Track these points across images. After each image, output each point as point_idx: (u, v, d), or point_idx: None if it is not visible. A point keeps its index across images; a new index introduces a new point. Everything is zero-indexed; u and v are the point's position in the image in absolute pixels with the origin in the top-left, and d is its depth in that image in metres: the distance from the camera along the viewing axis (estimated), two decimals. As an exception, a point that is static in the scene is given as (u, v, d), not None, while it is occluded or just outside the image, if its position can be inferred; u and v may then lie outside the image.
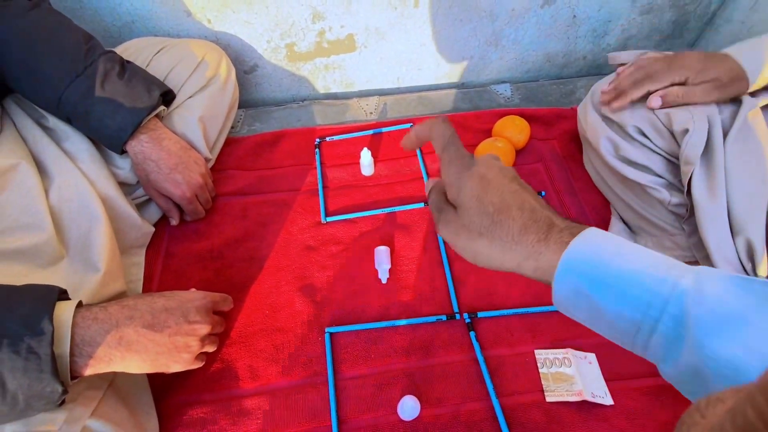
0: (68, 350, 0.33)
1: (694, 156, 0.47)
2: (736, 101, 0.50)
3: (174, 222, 0.60)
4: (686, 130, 0.48)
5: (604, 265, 0.24)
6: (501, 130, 0.69)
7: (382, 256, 0.57)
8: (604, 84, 0.58)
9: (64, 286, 0.36)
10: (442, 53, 0.80)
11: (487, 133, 0.72)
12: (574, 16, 0.77)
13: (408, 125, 0.74)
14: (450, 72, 0.83)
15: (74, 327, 0.34)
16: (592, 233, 0.25)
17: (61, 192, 0.48)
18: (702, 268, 0.24)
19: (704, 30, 0.85)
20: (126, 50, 0.61)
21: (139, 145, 0.53)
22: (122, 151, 0.53)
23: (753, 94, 0.50)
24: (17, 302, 0.32)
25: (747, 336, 0.21)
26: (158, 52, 0.61)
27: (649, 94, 0.52)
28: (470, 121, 0.75)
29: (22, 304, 0.32)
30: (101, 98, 0.49)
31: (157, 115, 0.55)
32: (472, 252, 0.28)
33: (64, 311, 0.34)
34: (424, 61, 0.80)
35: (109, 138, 0.51)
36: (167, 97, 0.57)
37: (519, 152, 0.70)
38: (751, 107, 0.48)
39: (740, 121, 0.47)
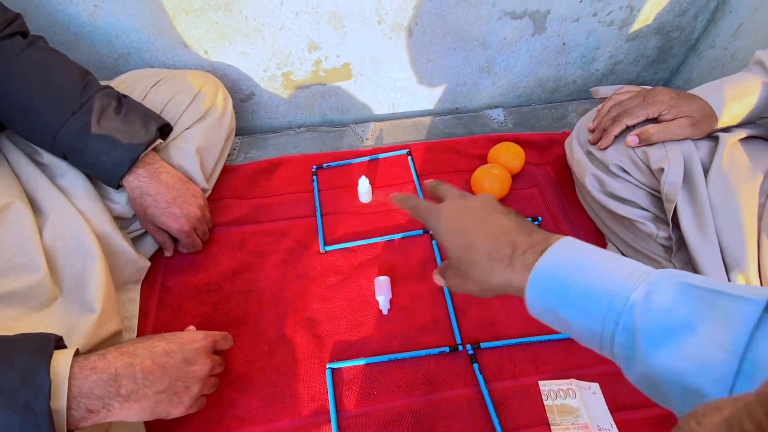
0: (65, 404, 0.31)
1: (673, 194, 0.48)
2: (712, 138, 0.52)
3: (168, 254, 0.59)
4: (662, 169, 0.49)
5: (566, 282, 0.26)
6: (496, 156, 0.70)
7: (382, 287, 0.56)
8: (587, 121, 0.60)
9: (58, 329, 0.35)
10: (435, 80, 0.81)
11: (483, 159, 0.73)
12: (564, 44, 0.80)
13: (404, 151, 0.74)
14: (444, 98, 0.85)
15: (71, 379, 0.32)
16: (555, 249, 0.27)
17: (55, 230, 0.47)
18: (659, 274, 0.25)
19: (688, 55, 0.88)
20: (123, 83, 0.61)
21: (136, 180, 0.52)
22: (119, 186, 0.53)
23: (726, 130, 0.52)
24: (12, 354, 0.31)
25: (688, 344, 0.22)
26: (155, 84, 0.61)
27: (627, 128, 0.54)
28: (465, 146, 0.76)
29: (18, 356, 0.31)
30: (97, 135, 0.49)
31: (154, 149, 0.55)
32: (472, 291, 0.32)
33: (61, 362, 0.33)
34: (419, 87, 0.82)
35: (106, 174, 0.51)
36: (164, 130, 0.57)
37: (514, 177, 0.71)
38: (728, 142, 0.49)
39: (719, 157, 0.49)
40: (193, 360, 0.40)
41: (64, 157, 0.50)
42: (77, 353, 0.35)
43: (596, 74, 0.87)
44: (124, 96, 0.54)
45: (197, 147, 0.60)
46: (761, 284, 0.45)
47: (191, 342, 0.41)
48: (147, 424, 0.45)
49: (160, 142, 0.56)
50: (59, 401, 0.31)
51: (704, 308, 0.23)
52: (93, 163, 0.50)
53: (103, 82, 0.61)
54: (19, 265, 0.43)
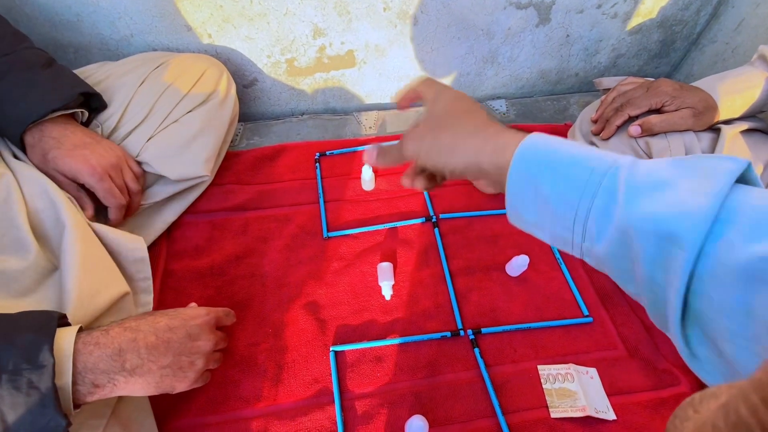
0: (70, 380, 0.32)
1: None
2: (714, 129, 0.53)
3: (89, 213, 0.49)
4: None
5: (552, 150, 0.27)
6: (499, 146, 0.70)
7: (385, 273, 0.57)
8: (590, 112, 0.61)
9: (54, 303, 0.35)
10: (439, 69, 0.81)
11: (485, 149, 0.73)
12: (568, 35, 0.80)
13: (407, 140, 0.74)
14: (447, 87, 0.85)
15: (76, 354, 0.33)
16: (538, 133, 0.29)
17: (34, 202, 0.45)
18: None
19: (689, 50, 0.88)
20: (126, 64, 0.61)
21: (38, 132, 0.46)
22: (21, 142, 0.47)
23: (728, 123, 0.52)
24: (15, 333, 0.31)
25: (669, 195, 0.23)
26: (157, 67, 0.60)
27: (630, 118, 0.54)
28: (468, 136, 0.76)
29: (21, 334, 0.31)
30: (13, 83, 0.45)
31: (74, 117, 0.50)
32: (437, 148, 0.31)
33: (65, 339, 0.33)
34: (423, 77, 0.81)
35: (9, 123, 0.46)
36: (95, 104, 0.53)
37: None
38: (730, 134, 0.50)
39: (720, 148, 0.49)
40: (197, 335, 0.40)
41: None
42: (81, 330, 0.35)
43: (599, 67, 0.88)
44: (61, 65, 0.51)
45: (197, 131, 0.59)
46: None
47: (194, 318, 0.41)
48: (153, 403, 0.45)
49: (82, 113, 0.51)
50: (64, 378, 0.31)
51: (689, 169, 0.24)
52: None
53: (97, 64, 0.60)
54: (15, 240, 0.42)
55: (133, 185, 0.53)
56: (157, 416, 0.44)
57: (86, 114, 0.52)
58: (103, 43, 0.68)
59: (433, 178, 0.35)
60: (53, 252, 0.45)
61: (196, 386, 0.42)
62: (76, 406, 0.33)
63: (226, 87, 0.66)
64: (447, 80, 0.83)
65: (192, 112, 0.61)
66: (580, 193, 0.25)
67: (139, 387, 0.36)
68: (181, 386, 0.39)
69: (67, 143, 0.47)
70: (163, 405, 0.46)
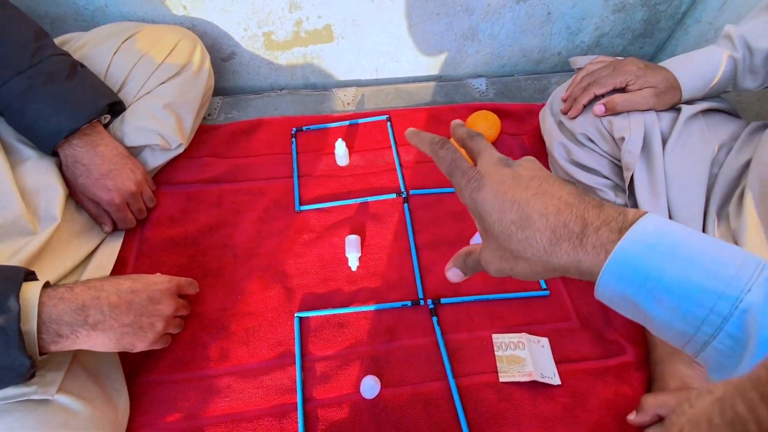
0: (35, 327, 0.34)
1: (632, 162, 0.50)
2: (676, 109, 0.53)
3: (106, 229, 0.56)
4: (623, 138, 0.51)
5: (654, 273, 0.21)
6: (473, 124, 0.71)
7: (352, 245, 0.59)
8: (562, 91, 0.61)
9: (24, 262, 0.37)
10: (419, 46, 0.81)
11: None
12: (549, 13, 0.79)
13: (384, 117, 0.75)
14: (428, 65, 0.84)
15: (41, 306, 0.35)
16: (639, 230, 0.22)
17: (37, 174, 0.49)
18: None
19: (675, 30, 0.87)
20: (98, 35, 0.61)
21: (70, 148, 0.51)
22: (54, 153, 0.52)
23: (690, 103, 0.53)
24: None
25: None
26: (129, 37, 0.61)
27: (596, 97, 0.55)
28: (445, 114, 0.77)
29: None
30: (41, 98, 0.48)
31: (99, 122, 0.54)
32: (522, 274, 0.26)
33: (31, 290, 0.35)
34: (402, 53, 0.81)
35: (41, 139, 0.50)
36: (117, 107, 0.57)
37: (490, 146, 0.72)
38: (688, 114, 0.51)
39: (679, 127, 0.50)
40: (158, 300, 0.42)
41: (1, 114, 0.50)
42: (47, 285, 0.37)
43: (581, 46, 0.87)
44: (82, 66, 0.54)
45: (168, 102, 0.60)
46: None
47: (156, 283, 0.43)
48: (123, 360, 0.48)
49: (106, 117, 0.56)
50: (29, 324, 0.34)
51: None
52: (29, 126, 0.49)
53: (75, 34, 0.60)
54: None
55: (150, 204, 0.61)
56: (126, 372, 0.47)
57: (109, 117, 0.57)
58: (78, 13, 0.68)
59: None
60: (37, 220, 0.48)
61: (156, 347, 0.44)
62: (42, 353, 0.36)
63: (200, 59, 0.66)
64: (428, 58, 0.83)
65: (165, 84, 0.62)
66: (694, 329, 0.21)
67: (100, 342, 0.39)
68: (140, 345, 0.42)
69: (94, 173, 0.53)
70: (133, 362, 0.48)
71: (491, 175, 0.26)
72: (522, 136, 0.75)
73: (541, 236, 0.24)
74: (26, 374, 0.34)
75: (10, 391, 0.35)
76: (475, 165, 0.28)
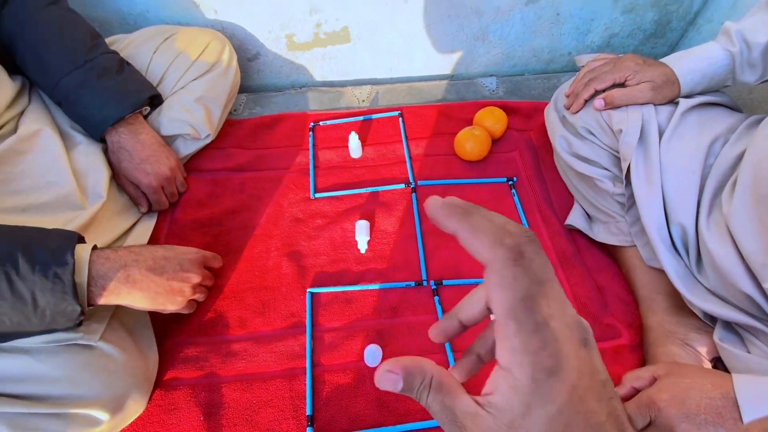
0: (86, 280, 0.40)
1: (629, 153, 0.53)
2: (674, 103, 0.55)
3: (143, 210, 0.63)
4: (621, 130, 0.53)
5: None
6: (480, 119, 0.74)
7: (362, 229, 0.63)
8: (565, 89, 0.64)
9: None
10: (431, 46, 0.85)
11: (469, 122, 0.77)
12: (558, 14, 0.82)
13: (396, 113, 0.79)
14: (440, 65, 0.88)
15: (90, 263, 0.41)
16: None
17: (86, 156, 0.57)
18: None
19: (687, 30, 0.88)
20: (140, 36, 0.68)
21: (116, 135, 0.58)
22: (102, 139, 0.59)
23: (689, 97, 0.55)
24: (48, 239, 0.40)
25: None
26: (168, 38, 0.68)
27: (597, 92, 0.57)
28: (455, 111, 0.80)
29: (51, 240, 0.40)
30: (93, 90, 0.55)
31: (140, 113, 0.61)
32: None
33: (83, 250, 0.41)
34: (415, 53, 0.86)
35: (92, 126, 0.57)
36: (156, 100, 0.64)
37: (497, 141, 0.75)
38: (686, 107, 0.53)
39: (675, 120, 0.52)
40: (187, 268, 0.48)
41: (59, 104, 0.57)
42: (95, 248, 0.43)
43: (592, 46, 0.89)
44: (128, 63, 0.61)
45: (199, 96, 0.67)
46: (696, 235, 0.49)
47: (186, 253, 0.49)
48: (154, 323, 0.54)
49: (146, 109, 0.63)
50: (81, 276, 0.40)
51: None
52: (83, 114, 0.57)
53: (120, 35, 0.68)
54: (50, 182, 0.51)
55: (182, 189, 0.68)
56: (156, 334, 0.53)
57: (148, 108, 0.63)
58: (122, 17, 0.75)
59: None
60: (86, 196, 0.55)
61: (185, 312, 0.50)
62: (89, 305, 0.42)
63: (228, 58, 0.73)
64: (440, 58, 0.87)
65: (197, 80, 0.68)
66: None
67: (138, 299, 0.44)
68: (171, 307, 0.47)
69: (136, 158, 0.59)
70: (161, 323, 0.54)
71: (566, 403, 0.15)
72: (529, 132, 0.77)
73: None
74: (76, 319, 0.39)
75: (61, 335, 0.41)
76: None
